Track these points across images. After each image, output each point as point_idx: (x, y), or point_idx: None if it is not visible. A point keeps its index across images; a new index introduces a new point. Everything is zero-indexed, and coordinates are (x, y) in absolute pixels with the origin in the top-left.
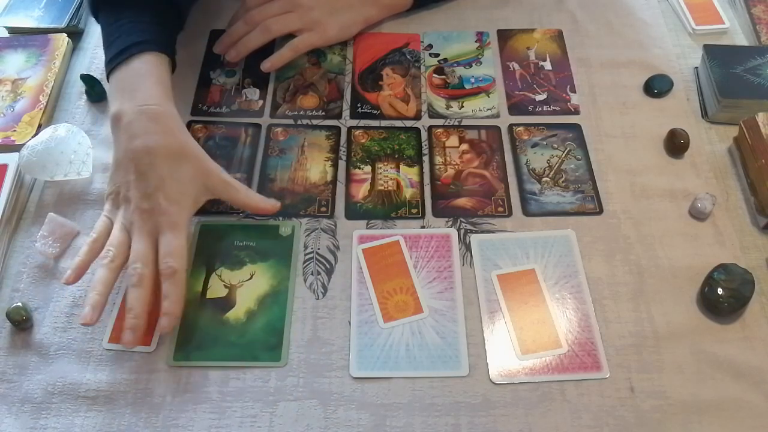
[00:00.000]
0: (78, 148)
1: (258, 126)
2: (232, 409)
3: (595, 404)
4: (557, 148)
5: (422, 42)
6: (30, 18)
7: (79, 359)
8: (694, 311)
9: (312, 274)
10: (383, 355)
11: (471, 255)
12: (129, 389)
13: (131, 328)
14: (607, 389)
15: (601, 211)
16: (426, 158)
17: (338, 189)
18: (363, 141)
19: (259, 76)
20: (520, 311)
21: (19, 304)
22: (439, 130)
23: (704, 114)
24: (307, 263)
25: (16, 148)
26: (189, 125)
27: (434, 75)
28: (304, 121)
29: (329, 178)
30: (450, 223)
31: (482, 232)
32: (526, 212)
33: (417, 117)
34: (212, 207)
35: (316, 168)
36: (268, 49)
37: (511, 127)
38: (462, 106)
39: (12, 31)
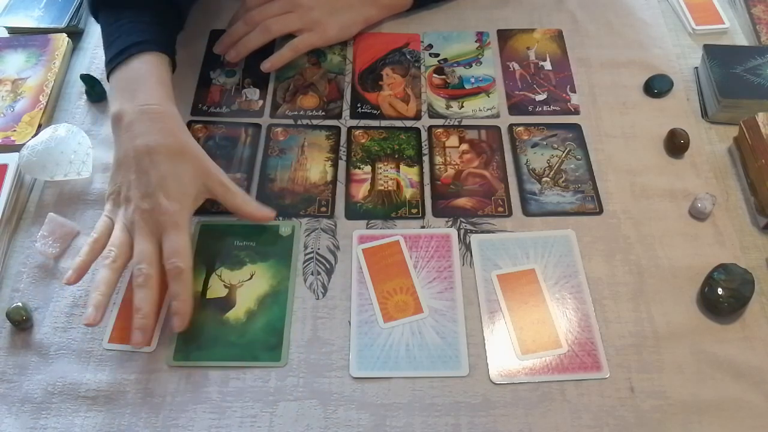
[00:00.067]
0: (78, 148)
1: (258, 126)
2: (232, 409)
3: (595, 404)
4: (557, 148)
5: (422, 42)
6: (30, 18)
7: (79, 359)
8: (694, 311)
9: (312, 274)
10: (383, 355)
11: (471, 255)
12: (129, 389)
13: (140, 328)
14: (607, 389)
15: (601, 211)
16: (426, 158)
17: (338, 189)
18: (363, 141)
19: (259, 76)
20: (520, 311)
21: (19, 304)
22: (439, 130)
23: (704, 114)
24: (307, 263)
25: (16, 148)
26: (189, 125)
27: (434, 75)
28: (304, 121)
29: (329, 178)
30: (450, 223)
31: (482, 232)
32: (526, 212)
33: (417, 117)
34: (212, 207)
35: (316, 168)
36: (268, 49)
37: (511, 127)
38: (462, 106)
39: (12, 31)
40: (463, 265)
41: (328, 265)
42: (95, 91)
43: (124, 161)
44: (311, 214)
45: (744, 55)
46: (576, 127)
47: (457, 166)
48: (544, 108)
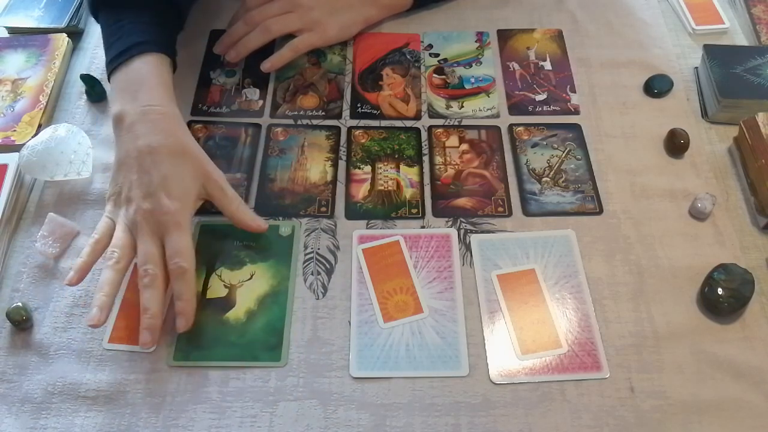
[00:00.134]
0: (78, 148)
1: (258, 126)
2: (232, 409)
3: (595, 404)
4: (557, 148)
5: (422, 42)
6: (30, 18)
7: (79, 359)
8: (694, 311)
9: (312, 274)
10: (383, 355)
11: (471, 255)
12: (129, 389)
13: (148, 328)
14: (607, 389)
15: (601, 211)
16: (426, 158)
17: (338, 189)
18: (363, 141)
19: (259, 76)
20: (520, 311)
21: (19, 304)
22: (439, 130)
23: (704, 114)
24: (307, 263)
25: (16, 148)
26: (189, 125)
27: (434, 75)
28: (304, 121)
29: (329, 178)
30: (450, 223)
31: (482, 232)
32: (526, 212)
33: (417, 117)
34: (212, 207)
35: (316, 168)
36: (268, 49)
37: (511, 127)
38: (462, 106)
39: (12, 31)
40: (463, 265)
41: (328, 265)
42: (95, 91)
43: (125, 162)
44: (311, 214)
45: (744, 55)
46: (576, 127)
47: (457, 166)
48: (544, 108)
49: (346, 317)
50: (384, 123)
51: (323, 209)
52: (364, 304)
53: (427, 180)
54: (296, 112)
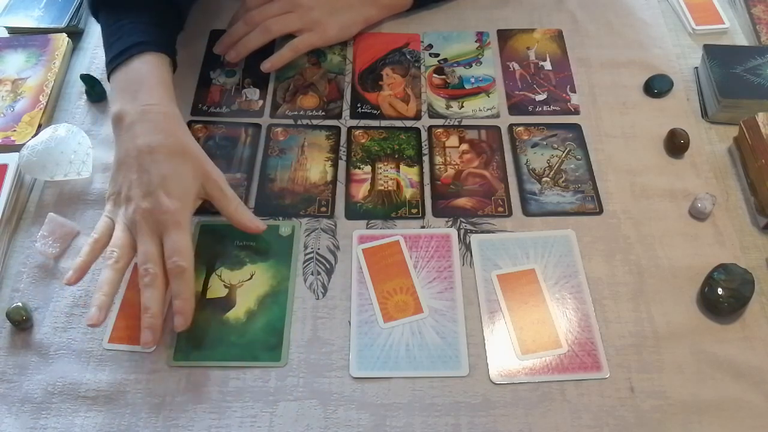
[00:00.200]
0: (78, 148)
1: (258, 126)
2: (232, 409)
3: (595, 404)
4: (557, 148)
5: (422, 42)
6: (30, 18)
7: (79, 359)
8: (694, 311)
9: (312, 274)
10: (383, 355)
11: (471, 255)
12: (129, 389)
13: (149, 327)
14: (607, 389)
15: (601, 211)
16: (426, 158)
17: (338, 189)
18: (363, 141)
19: (259, 76)
20: (520, 311)
21: (19, 304)
22: (439, 130)
23: (704, 114)
24: (307, 263)
25: (16, 148)
26: (189, 125)
27: (434, 75)
28: (304, 121)
29: (329, 178)
30: (450, 223)
31: (482, 232)
32: (526, 212)
33: (417, 117)
34: (212, 207)
35: (316, 168)
36: (268, 49)
37: (511, 127)
38: (462, 106)
39: (12, 31)
40: (463, 265)
41: (328, 265)
42: (95, 91)
43: (125, 161)
44: (311, 214)
45: (744, 55)
46: (576, 127)
47: (457, 166)
48: (544, 108)
49: (346, 317)
50: (384, 123)
51: (323, 209)
52: (364, 304)
53: (427, 180)
54: (296, 112)
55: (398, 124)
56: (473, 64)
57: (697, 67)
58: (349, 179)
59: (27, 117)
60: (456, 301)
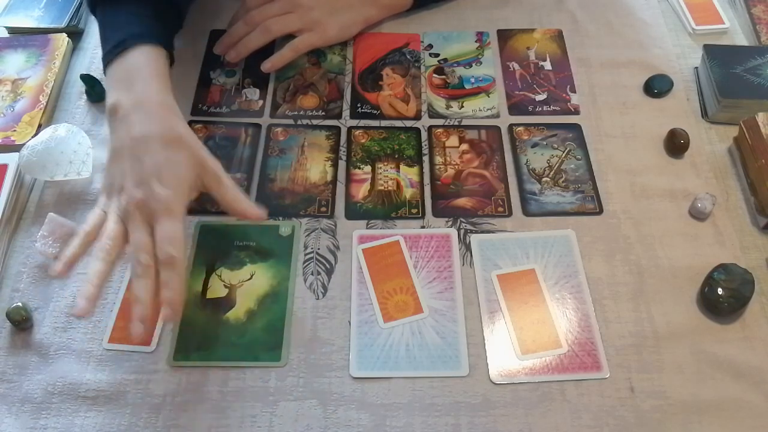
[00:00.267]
0: (78, 148)
1: (258, 126)
2: (232, 409)
3: (595, 404)
4: (557, 148)
5: (422, 42)
6: (30, 18)
7: (79, 359)
8: (694, 311)
9: (312, 274)
10: (383, 355)
11: (471, 255)
12: (129, 389)
13: (141, 319)
14: (607, 389)
15: (601, 211)
16: (426, 158)
17: (338, 189)
18: (363, 141)
19: (259, 76)
20: (520, 311)
21: (19, 304)
22: (439, 130)
23: (704, 114)
24: (307, 263)
25: (16, 148)
26: (189, 125)
27: (434, 75)
28: (304, 121)
29: (329, 178)
30: (450, 223)
31: (482, 232)
32: (526, 212)
33: (417, 117)
34: (212, 207)
35: (316, 168)
36: (269, 49)
37: (511, 127)
38: (462, 106)
39: (12, 31)
40: (463, 265)
41: (328, 265)
42: (95, 91)
43: (119, 152)
44: (311, 214)
45: (744, 55)
46: (576, 127)
47: (457, 166)
48: (544, 108)
49: (346, 317)
50: (384, 123)
51: (323, 209)
52: (364, 304)
53: (427, 180)
54: (296, 112)
55: (398, 124)
56: (473, 64)
57: (697, 67)
58: (349, 179)
59: (27, 117)
60: (456, 301)
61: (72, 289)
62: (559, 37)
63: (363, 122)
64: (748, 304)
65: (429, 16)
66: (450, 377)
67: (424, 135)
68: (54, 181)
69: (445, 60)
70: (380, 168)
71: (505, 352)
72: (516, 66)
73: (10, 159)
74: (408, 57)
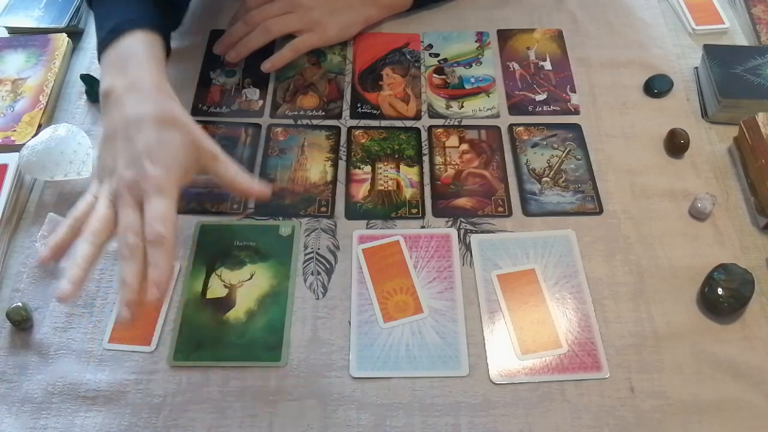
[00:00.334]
0: (78, 148)
1: (258, 126)
2: (232, 409)
3: (595, 404)
4: (557, 148)
5: (422, 42)
6: (30, 18)
7: (79, 359)
8: (694, 311)
9: (312, 274)
10: (383, 355)
11: (471, 255)
12: (129, 389)
13: (127, 303)
14: (607, 389)
15: (601, 211)
16: (426, 158)
17: (338, 189)
18: (363, 141)
19: (259, 76)
20: (520, 311)
21: (19, 304)
22: (439, 130)
23: (704, 114)
24: (307, 263)
25: (16, 148)
26: None
27: (434, 75)
28: (304, 121)
29: (329, 178)
30: (450, 223)
31: (482, 232)
32: (526, 212)
33: (417, 117)
34: (212, 207)
35: (316, 168)
36: (269, 49)
37: (511, 127)
38: (462, 106)
39: (12, 31)
40: (463, 265)
41: (328, 265)
42: (95, 91)
43: (111, 134)
44: (311, 214)
45: (744, 55)
46: (576, 127)
47: (457, 166)
48: (544, 108)
49: (346, 317)
50: (384, 123)
51: (323, 209)
52: (364, 304)
53: (427, 180)
54: (296, 112)
55: (398, 124)
56: (473, 64)
57: (697, 67)
58: (349, 179)
59: (27, 117)
60: (456, 301)
61: None
62: (559, 37)
63: (363, 122)
64: (748, 304)
65: (429, 16)
66: (450, 377)
67: (424, 135)
68: (54, 181)
69: (445, 60)
70: (380, 168)
71: (505, 352)
72: (516, 66)
73: (10, 159)
74: (408, 57)
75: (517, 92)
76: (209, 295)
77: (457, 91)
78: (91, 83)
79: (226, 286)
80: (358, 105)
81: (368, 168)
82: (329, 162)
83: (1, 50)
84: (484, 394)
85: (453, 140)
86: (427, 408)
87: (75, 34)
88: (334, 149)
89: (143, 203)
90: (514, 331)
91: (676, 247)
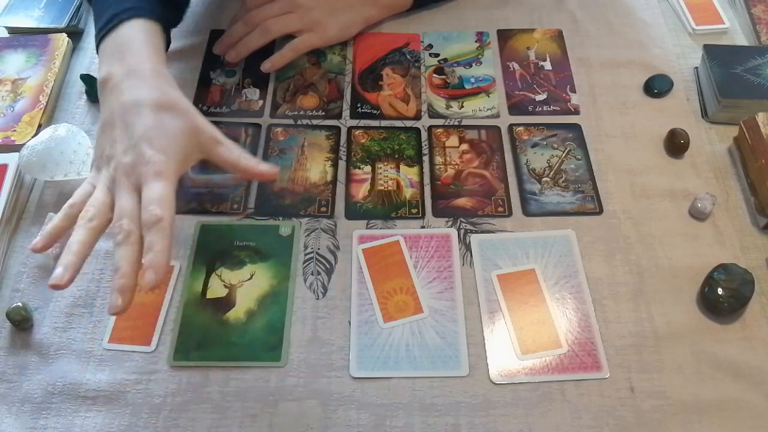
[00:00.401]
0: (78, 148)
1: (258, 126)
2: (232, 409)
3: (595, 404)
4: (557, 148)
5: (422, 42)
6: (30, 18)
7: (79, 359)
8: (694, 311)
9: (312, 274)
10: (383, 355)
11: (471, 255)
12: (129, 389)
13: (120, 290)
14: (607, 389)
15: (601, 211)
16: (426, 158)
17: (338, 189)
18: (363, 141)
19: (259, 76)
20: (520, 311)
21: (19, 304)
22: (439, 130)
23: (704, 114)
24: (307, 263)
25: (16, 148)
26: None
27: (434, 75)
28: (304, 121)
29: (329, 178)
30: (450, 223)
31: (482, 232)
32: (526, 212)
33: (417, 117)
34: (212, 207)
35: (316, 168)
36: (268, 49)
37: (511, 127)
38: (462, 106)
39: (12, 31)
40: (463, 265)
41: (328, 265)
42: (95, 91)
43: (108, 120)
44: (311, 214)
45: (744, 55)
46: (576, 127)
47: (457, 166)
48: (544, 108)
49: (346, 317)
50: (384, 123)
51: (323, 209)
52: (364, 304)
53: (427, 180)
54: (296, 112)
55: (398, 124)
56: (473, 64)
57: (697, 67)
58: (349, 179)
59: (27, 117)
60: (456, 301)
61: (72, 290)
62: (559, 37)
63: (363, 122)
64: (748, 304)
65: (429, 16)
66: (450, 377)
67: (424, 135)
68: (54, 181)
69: (445, 60)
70: (380, 168)
71: (505, 352)
72: (516, 66)
73: (10, 159)
74: (408, 57)
75: (517, 92)
76: (209, 295)
77: (457, 91)
78: (91, 83)
79: (226, 286)
80: (358, 105)
81: (368, 168)
82: (329, 162)
83: (1, 50)
84: (484, 394)
85: (453, 140)
86: (427, 408)
87: (75, 34)
88: (334, 149)
89: (141, 189)
90: (514, 331)
91: (676, 247)
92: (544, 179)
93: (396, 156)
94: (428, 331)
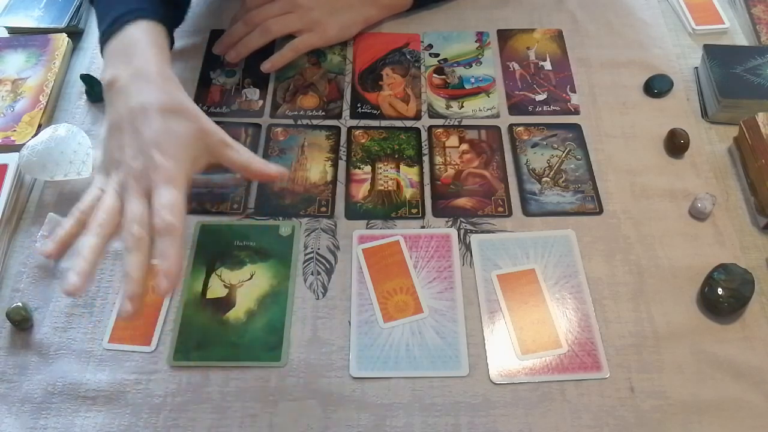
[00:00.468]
0: (78, 148)
1: (258, 126)
2: (232, 409)
3: (595, 404)
4: (557, 148)
5: (422, 42)
6: (30, 18)
7: (79, 359)
8: (694, 311)
9: (312, 274)
10: (383, 355)
11: (471, 255)
12: (129, 389)
13: (130, 297)
14: (607, 389)
15: (601, 211)
16: (426, 158)
17: (338, 189)
18: (363, 141)
19: (259, 76)
20: (520, 311)
21: (19, 304)
22: (439, 130)
23: (704, 114)
24: (307, 263)
25: (16, 148)
26: None
27: (434, 75)
28: (304, 121)
29: (329, 178)
30: (450, 223)
31: (482, 232)
32: (526, 212)
33: (417, 117)
34: (212, 207)
35: (316, 168)
36: (268, 49)
37: (511, 127)
38: (462, 106)
39: (12, 31)
40: (463, 265)
41: (328, 265)
42: (95, 91)
43: (116, 124)
44: (311, 214)
45: (744, 55)
46: (576, 127)
47: (457, 166)
48: (544, 108)
49: (346, 317)
50: (384, 123)
51: (323, 209)
52: (364, 304)
53: (427, 180)
54: (296, 112)
55: (398, 124)
56: (473, 64)
57: (697, 67)
58: (349, 179)
59: (27, 117)
60: (456, 301)
61: None
62: (559, 37)
63: (363, 122)
64: (748, 304)
65: (429, 16)
66: (450, 377)
67: (424, 135)
68: (54, 181)
69: (445, 60)
70: (380, 168)
71: (505, 352)
72: (516, 66)
73: (10, 159)
74: (408, 57)
75: (517, 92)
76: (209, 295)
77: (457, 91)
78: (91, 83)
79: (226, 286)
80: (358, 105)
81: (368, 168)
82: (329, 162)
83: (1, 50)
84: (484, 394)
85: (453, 140)
86: (427, 408)
87: (75, 34)
88: (334, 149)
89: (151, 194)
90: (514, 331)
91: (676, 247)
92: (544, 179)
93: (396, 156)
94: (428, 331)
